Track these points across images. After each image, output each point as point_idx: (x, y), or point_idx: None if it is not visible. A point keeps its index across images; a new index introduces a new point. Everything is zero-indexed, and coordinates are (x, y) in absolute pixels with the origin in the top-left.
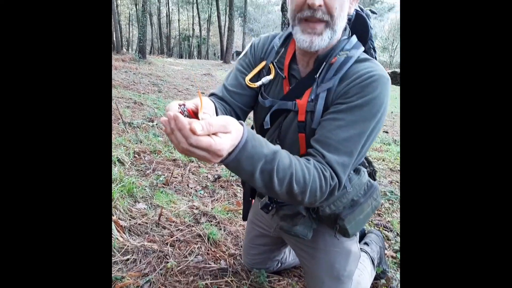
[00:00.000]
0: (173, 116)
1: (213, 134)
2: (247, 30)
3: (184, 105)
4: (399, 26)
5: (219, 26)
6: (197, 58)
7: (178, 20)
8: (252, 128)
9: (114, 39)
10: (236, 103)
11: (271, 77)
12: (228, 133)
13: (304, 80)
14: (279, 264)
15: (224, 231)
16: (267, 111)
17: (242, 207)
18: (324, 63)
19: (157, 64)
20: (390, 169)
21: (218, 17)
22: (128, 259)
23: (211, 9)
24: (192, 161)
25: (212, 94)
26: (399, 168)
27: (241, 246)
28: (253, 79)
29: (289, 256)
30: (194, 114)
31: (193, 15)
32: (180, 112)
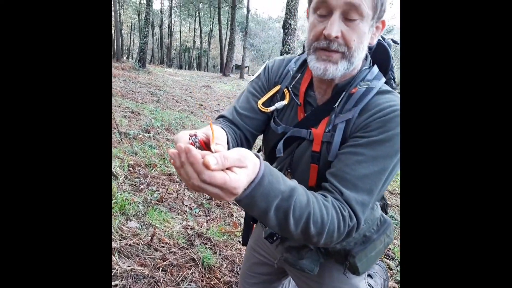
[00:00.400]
0: (184, 149)
1: (228, 169)
2: (248, 45)
3: (195, 135)
4: (399, 50)
5: (220, 40)
6: (197, 70)
7: (180, 32)
8: (259, 150)
9: (115, 47)
10: (246, 127)
11: (285, 102)
12: (244, 167)
13: (320, 108)
14: None
15: (220, 255)
16: (279, 137)
17: (238, 229)
18: (344, 92)
19: (156, 73)
20: (389, 191)
21: (220, 30)
22: (116, 285)
23: (212, 22)
24: None
25: (221, 116)
26: (398, 191)
27: (238, 273)
28: (266, 103)
29: (288, 286)
30: (205, 146)
31: (194, 28)
32: (191, 144)
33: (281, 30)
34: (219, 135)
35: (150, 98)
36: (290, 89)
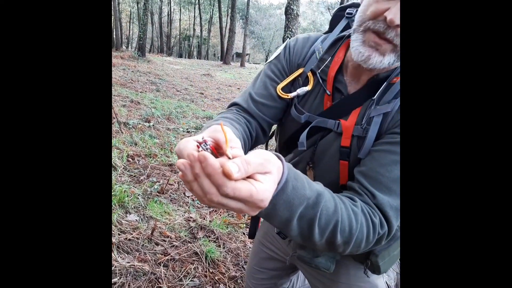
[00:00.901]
0: (199, 157)
1: (249, 177)
2: (248, 32)
3: (205, 141)
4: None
5: (220, 27)
6: (197, 58)
7: (179, 20)
8: (270, 137)
9: (114, 36)
10: (263, 116)
11: (308, 88)
12: (268, 173)
13: (352, 97)
14: None
15: (224, 248)
16: (301, 127)
17: (242, 220)
18: (385, 82)
19: (156, 62)
20: None
21: (220, 18)
22: (115, 283)
23: (212, 10)
24: None
25: (234, 104)
26: None
27: (243, 267)
28: (286, 89)
29: (296, 283)
30: (216, 152)
31: (194, 15)
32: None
33: (283, 17)
34: (232, 136)
35: (150, 87)
36: (318, 73)
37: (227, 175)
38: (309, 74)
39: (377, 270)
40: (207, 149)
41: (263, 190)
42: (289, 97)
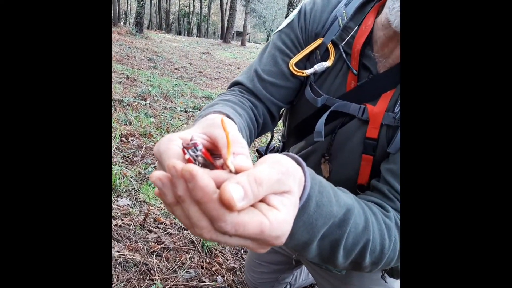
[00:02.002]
0: (182, 173)
1: (262, 200)
2: (249, 10)
3: (195, 145)
4: None
5: (221, 4)
6: (196, 36)
7: None
8: (273, 119)
9: (112, 11)
10: (271, 98)
11: (328, 64)
12: (287, 193)
13: (383, 77)
14: (288, 287)
15: None
16: (317, 111)
17: None
18: None
19: (154, 39)
20: None
21: None
22: None
23: None
24: None
25: (237, 84)
26: None
27: (242, 257)
28: (300, 64)
29: (299, 277)
30: (209, 154)
31: None
32: (189, 161)
33: None
34: (236, 136)
35: (147, 64)
36: (341, 46)
37: (227, 205)
38: (330, 46)
39: (396, 274)
40: (196, 156)
41: (280, 222)
42: (304, 74)
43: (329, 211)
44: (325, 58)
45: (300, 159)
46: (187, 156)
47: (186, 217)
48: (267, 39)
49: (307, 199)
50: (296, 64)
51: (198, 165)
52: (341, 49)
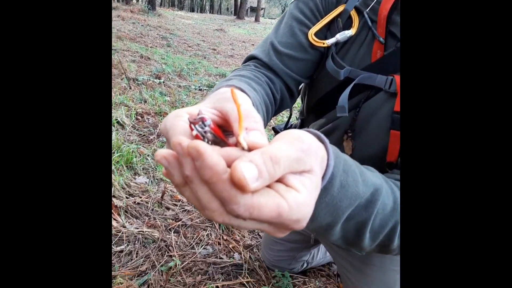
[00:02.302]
0: (188, 150)
1: (279, 180)
2: None
3: (203, 119)
4: None
5: None
6: (209, 13)
7: None
8: (292, 95)
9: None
10: (289, 72)
11: (351, 32)
12: (307, 173)
13: None
14: (305, 264)
15: None
16: (339, 85)
17: None
18: None
19: (167, 16)
20: None
21: None
22: (122, 251)
23: None
24: None
25: (252, 58)
26: None
27: (259, 235)
28: (320, 34)
29: (316, 255)
30: (221, 132)
31: None
32: (197, 137)
33: None
34: (248, 110)
35: (161, 42)
36: (366, 12)
37: (238, 186)
38: (353, 13)
39: None
40: (205, 132)
41: (300, 204)
42: (325, 45)
43: (354, 191)
44: (347, 26)
45: (322, 135)
46: (194, 132)
47: (196, 198)
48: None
49: (330, 179)
50: (316, 34)
51: (207, 142)
52: (366, 16)
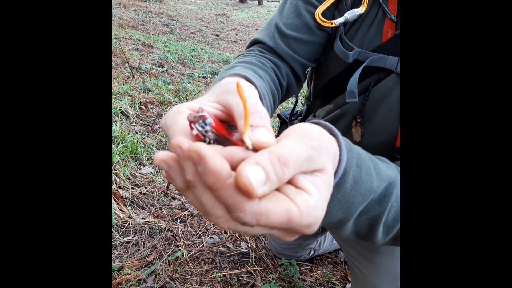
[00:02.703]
0: (189, 153)
1: (289, 182)
2: None
3: (204, 118)
4: None
5: None
6: None
7: None
8: (298, 80)
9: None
10: (295, 56)
11: (361, 10)
12: (319, 172)
13: None
14: (312, 252)
15: None
16: (347, 68)
17: None
18: None
19: (169, 2)
20: None
21: None
22: (129, 241)
23: None
24: None
25: (256, 42)
26: None
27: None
28: (328, 13)
29: (323, 242)
30: (223, 129)
31: None
32: (197, 137)
33: None
34: (254, 105)
35: (163, 29)
36: None
37: (244, 192)
38: None
39: None
40: (206, 131)
41: (311, 208)
42: (333, 25)
43: (368, 186)
44: (356, 4)
45: (333, 128)
46: (194, 132)
47: (200, 204)
48: None
49: (343, 175)
50: (323, 14)
51: (209, 142)
52: None
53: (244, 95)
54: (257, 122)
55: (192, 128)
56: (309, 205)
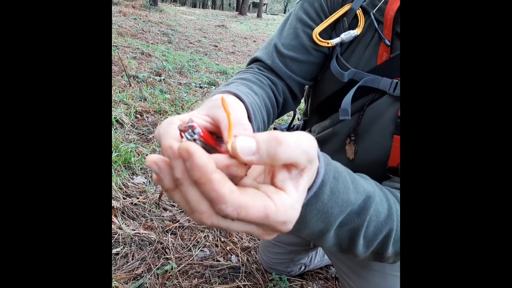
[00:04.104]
0: (179, 153)
1: (271, 183)
2: None
3: (193, 126)
4: None
5: None
6: (211, 8)
7: None
8: (295, 97)
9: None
10: (291, 75)
11: (357, 32)
12: (304, 171)
13: None
14: (303, 267)
15: None
16: (343, 87)
17: None
18: None
19: (168, 12)
20: None
21: None
22: (118, 253)
23: None
24: None
25: (256, 60)
26: None
27: (257, 237)
28: (325, 34)
29: (314, 258)
30: (211, 139)
31: None
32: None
33: None
34: (238, 117)
35: (162, 38)
36: (372, 13)
37: (233, 155)
38: (359, 12)
39: None
40: (194, 140)
41: (287, 207)
42: (329, 44)
43: (345, 198)
44: (353, 26)
45: (312, 137)
46: (184, 140)
47: (186, 202)
48: (285, 11)
49: (320, 186)
50: (321, 34)
51: None
52: (372, 16)
53: (228, 108)
54: (240, 133)
55: (182, 137)
56: (286, 204)
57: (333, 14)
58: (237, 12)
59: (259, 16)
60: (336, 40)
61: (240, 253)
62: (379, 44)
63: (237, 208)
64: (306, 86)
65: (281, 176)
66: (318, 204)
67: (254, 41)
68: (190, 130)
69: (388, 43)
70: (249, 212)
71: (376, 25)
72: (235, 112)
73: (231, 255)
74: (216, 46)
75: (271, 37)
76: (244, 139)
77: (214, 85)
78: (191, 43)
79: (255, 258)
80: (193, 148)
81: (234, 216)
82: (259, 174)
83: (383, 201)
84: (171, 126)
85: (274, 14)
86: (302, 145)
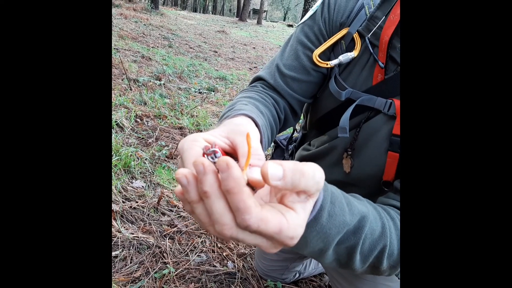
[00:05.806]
0: (218, 162)
1: (282, 203)
2: None
3: (215, 152)
4: None
5: None
6: (212, 13)
7: None
8: (292, 110)
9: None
10: (292, 93)
11: (353, 54)
12: (311, 197)
13: None
14: (297, 275)
15: None
16: (341, 105)
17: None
18: None
19: (169, 16)
20: None
21: None
22: (116, 256)
23: None
24: (201, 130)
25: (259, 79)
26: None
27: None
28: (323, 56)
29: (309, 265)
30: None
31: None
32: None
33: None
34: (255, 147)
35: (162, 42)
36: (367, 37)
37: (263, 175)
38: (356, 35)
39: None
40: (214, 163)
41: (296, 225)
42: (328, 65)
43: (342, 220)
44: (350, 48)
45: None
46: (207, 158)
47: (207, 214)
48: (284, 18)
49: (319, 210)
50: (320, 56)
51: None
52: (367, 41)
53: (251, 143)
54: (255, 163)
55: (204, 156)
56: (296, 222)
57: (331, 37)
58: (238, 18)
59: (259, 23)
60: (334, 62)
61: (236, 259)
62: (374, 66)
63: (259, 220)
64: (306, 103)
65: (291, 198)
66: (317, 226)
67: (254, 47)
68: (212, 154)
69: (382, 65)
70: (268, 225)
71: (371, 49)
72: (253, 143)
73: (227, 261)
74: (216, 52)
75: (274, 58)
76: (273, 166)
77: (213, 91)
78: (191, 48)
79: (251, 264)
80: (232, 161)
81: (254, 227)
82: (266, 194)
83: (377, 220)
84: (195, 143)
85: (273, 21)
86: (316, 176)
